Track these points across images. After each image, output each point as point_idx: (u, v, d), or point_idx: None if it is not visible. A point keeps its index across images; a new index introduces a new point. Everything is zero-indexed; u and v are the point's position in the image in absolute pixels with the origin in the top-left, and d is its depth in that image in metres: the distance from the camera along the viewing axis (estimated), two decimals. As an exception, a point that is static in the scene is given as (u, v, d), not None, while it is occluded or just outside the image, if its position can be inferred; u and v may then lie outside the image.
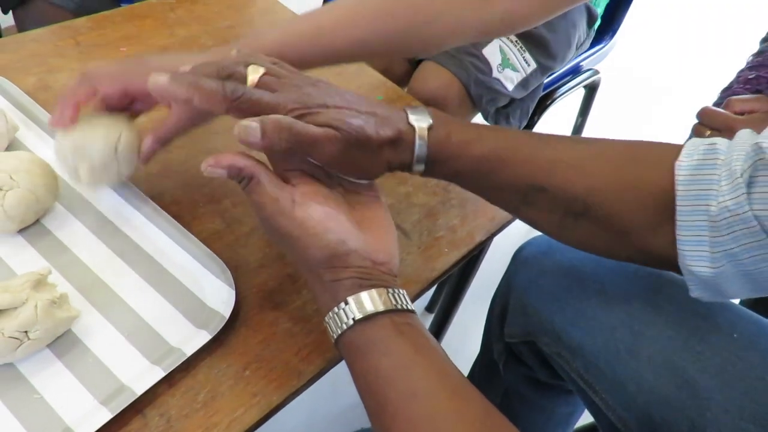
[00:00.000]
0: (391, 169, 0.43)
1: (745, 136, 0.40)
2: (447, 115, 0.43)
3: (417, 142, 0.41)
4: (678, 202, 0.40)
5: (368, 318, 0.37)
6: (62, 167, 0.50)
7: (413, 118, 0.41)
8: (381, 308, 0.37)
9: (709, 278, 0.41)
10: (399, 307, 0.38)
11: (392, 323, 0.37)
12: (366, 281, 0.38)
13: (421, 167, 0.42)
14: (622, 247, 0.44)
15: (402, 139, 0.41)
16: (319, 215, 0.39)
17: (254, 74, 0.40)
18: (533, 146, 0.43)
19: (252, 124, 0.37)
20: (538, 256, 0.59)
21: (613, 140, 0.44)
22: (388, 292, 0.38)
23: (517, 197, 0.44)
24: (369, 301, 0.37)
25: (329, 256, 0.38)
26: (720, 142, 0.40)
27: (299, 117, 0.38)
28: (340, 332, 0.38)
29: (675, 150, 0.42)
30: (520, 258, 0.61)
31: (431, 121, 0.42)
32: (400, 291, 0.39)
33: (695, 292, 0.43)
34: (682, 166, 0.40)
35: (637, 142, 0.44)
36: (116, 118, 0.50)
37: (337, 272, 0.38)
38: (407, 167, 0.43)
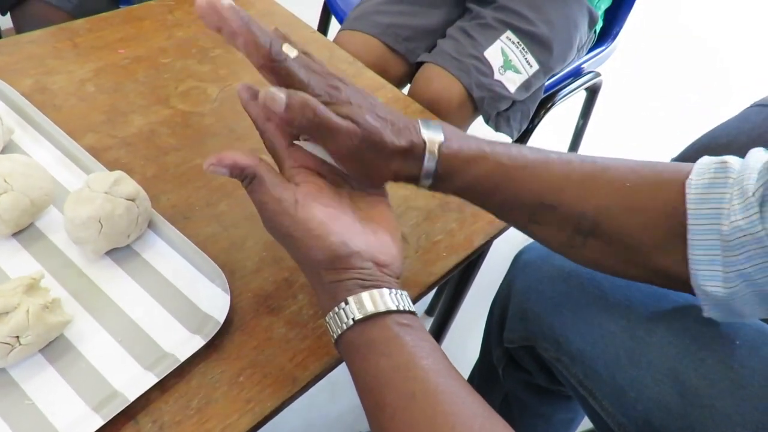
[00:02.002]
0: (397, 179, 0.42)
1: (757, 154, 0.40)
2: (457, 129, 0.43)
3: (426, 155, 0.41)
4: (689, 221, 0.40)
5: (368, 318, 0.37)
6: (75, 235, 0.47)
7: (425, 132, 0.41)
8: (381, 308, 0.37)
9: (722, 298, 0.40)
10: (400, 308, 0.37)
11: (393, 324, 0.37)
12: (367, 282, 0.38)
13: (428, 181, 0.42)
14: (632, 266, 0.43)
15: (413, 152, 0.40)
16: (321, 216, 0.38)
17: (290, 52, 0.39)
18: (541, 163, 0.42)
19: (279, 94, 0.36)
20: (537, 261, 0.58)
21: (620, 159, 0.44)
22: (389, 293, 0.38)
23: (525, 215, 0.44)
24: (369, 301, 0.37)
25: (331, 257, 0.38)
26: (732, 160, 0.40)
27: (324, 104, 0.38)
28: (340, 332, 0.38)
29: (685, 170, 0.41)
30: (519, 262, 0.61)
31: (443, 136, 0.41)
32: (402, 292, 0.39)
33: (708, 312, 0.43)
34: (693, 184, 0.40)
35: (646, 162, 0.43)
36: None
37: (339, 273, 0.38)
38: (414, 179, 0.42)
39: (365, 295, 0.37)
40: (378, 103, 0.41)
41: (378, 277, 0.38)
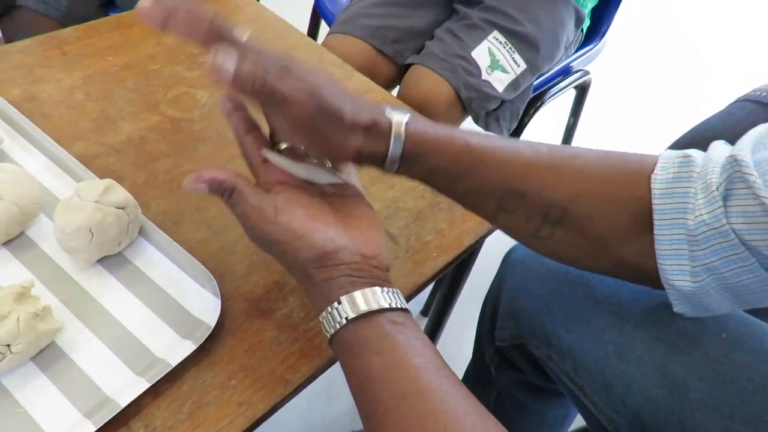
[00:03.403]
0: (360, 159, 0.41)
1: (719, 147, 0.40)
2: (424, 117, 0.43)
3: (393, 135, 0.40)
4: (655, 217, 0.40)
5: (361, 317, 0.37)
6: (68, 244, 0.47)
7: (391, 113, 0.41)
8: (374, 307, 0.37)
9: (690, 292, 0.41)
10: (392, 305, 0.38)
11: (385, 322, 0.37)
12: (358, 279, 0.38)
13: (394, 165, 0.41)
14: (598, 257, 0.44)
15: (376, 129, 0.40)
16: (303, 217, 0.39)
17: (243, 34, 0.38)
18: (511, 149, 0.42)
19: (231, 52, 0.36)
20: (526, 260, 0.59)
21: (590, 149, 0.44)
22: (381, 291, 0.38)
23: (493, 202, 0.43)
24: (362, 300, 0.37)
25: (319, 255, 0.38)
26: (695, 154, 0.40)
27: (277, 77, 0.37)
28: (333, 331, 0.38)
29: (651, 162, 0.41)
30: (509, 261, 0.61)
31: (408, 116, 0.41)
32: (394, 290, 0.39)
33: (678, 307, 0.43)
34: (658, 179, 0.40)
35: (614, 152, 0.43)
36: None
37: (329, 271, 0.38)
38: (379, 161, 0.41)
39: (358, 294, 0.37)
40: (340, 84, 0.40)
41: (368, 271, 0.39)
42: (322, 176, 0.43)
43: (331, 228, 0.39)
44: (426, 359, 0.36)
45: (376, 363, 0.36)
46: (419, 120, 0.41)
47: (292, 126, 0.39)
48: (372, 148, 0.40)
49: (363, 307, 0.37)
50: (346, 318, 0.37)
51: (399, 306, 0.38)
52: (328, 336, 0.39)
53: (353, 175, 0.47)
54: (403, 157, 0.41)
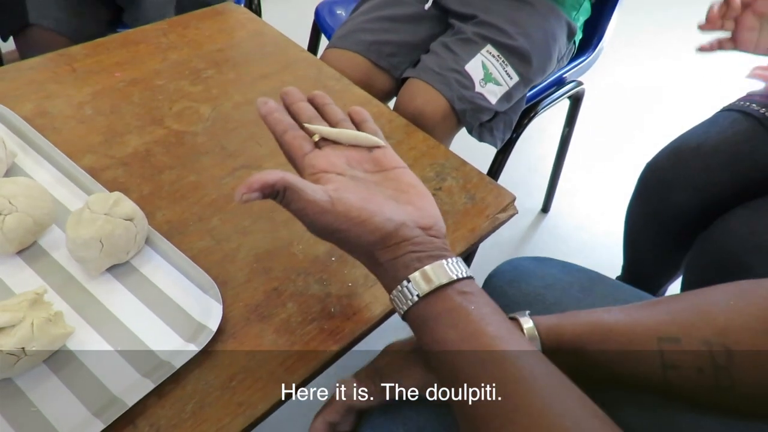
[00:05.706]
0: None
1: None
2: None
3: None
4: None
5: (431, 293, 0.38)
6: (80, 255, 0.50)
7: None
8: (443, 281, 0.38)
9: None
10: (459, 276, 0.39)
11: (455, 294, 0.38)
12: (423, 253, 0.40)
13: None
14: None
15: None
16: (358, 203, 0.41)
17: None
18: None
19: None
20: (504, 286, 0.59)
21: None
22: (446, 263, 0.39)
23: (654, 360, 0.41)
24: (429, 276, 0.39)
25: (382, 236, 0.40)
26: None
27: None
28: (405, 308, 0.39)
29: None
30: (489, 286, 0.62)
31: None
32: (456, 259, 0.40)
33: None
34: None
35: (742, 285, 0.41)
36: None
37: (393, 250, 0.40)
38: None
39: (424, 271, 0.39)
40: None
41: (429, 242, 0.40)
42: (365, 140, 0.46)
43: (386, 207, 0.41)
44: (498, 325, 0.38)
45: (452, 336, 0.37)
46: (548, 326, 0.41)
47: None
48: None
49: (432, 284, 0.38)
50: (418, 295, 0.38)
51: (463, 275, 0.39)
52: (401, 313, 0.40)
53: (388, 145, 0.48)
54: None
